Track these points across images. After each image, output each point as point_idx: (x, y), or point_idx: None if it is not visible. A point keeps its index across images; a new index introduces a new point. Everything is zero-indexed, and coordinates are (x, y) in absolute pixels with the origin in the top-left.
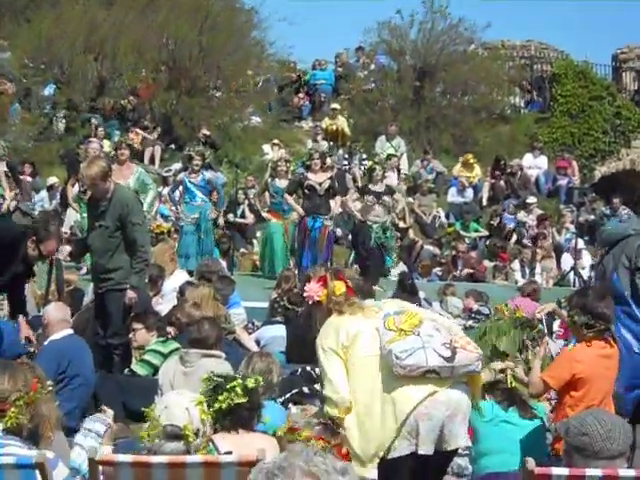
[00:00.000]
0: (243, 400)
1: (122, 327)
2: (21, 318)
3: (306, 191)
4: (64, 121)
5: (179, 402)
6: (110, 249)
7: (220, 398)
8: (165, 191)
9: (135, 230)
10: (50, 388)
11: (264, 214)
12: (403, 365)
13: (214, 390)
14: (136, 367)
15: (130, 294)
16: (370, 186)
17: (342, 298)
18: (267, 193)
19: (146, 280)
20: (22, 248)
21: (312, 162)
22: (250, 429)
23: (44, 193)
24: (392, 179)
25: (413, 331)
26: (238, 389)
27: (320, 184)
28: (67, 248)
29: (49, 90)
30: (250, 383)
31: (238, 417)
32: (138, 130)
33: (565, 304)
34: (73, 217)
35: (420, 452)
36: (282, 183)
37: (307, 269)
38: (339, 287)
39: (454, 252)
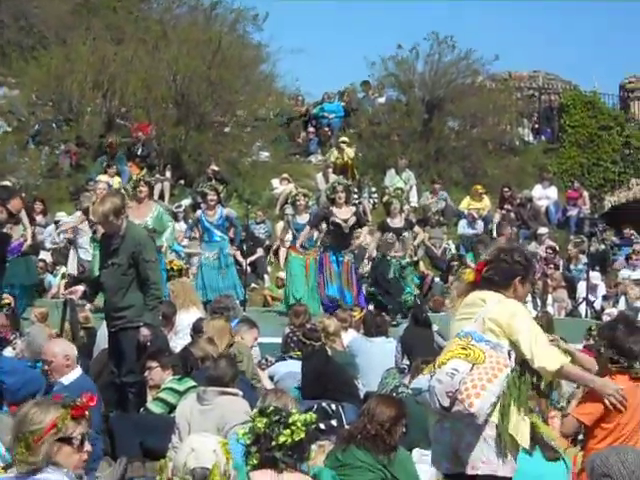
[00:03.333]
0: (302, 436)
1: (136, 365)
2: None
3: (331, 227)
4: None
5: (206, 444)
6: (123, 287)
7: (285, 432)
8: (178, 226)
9: (148, 267)
10: None
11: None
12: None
13: (276, 423)
14: (152, 406)
15: (144, 332)
16: (389, 221)
17: None
18: (283, 226)
19: (160, 317)
20: None
21: (336, 195)
22: (294, 467)
23: (51, 227)
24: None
25: (430, 372)
26: (299, 424)
27: (345, 221)
28: (80, 288)
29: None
30: (309, 418)
31: (293, 452)
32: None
33: (595, 334)
34: (82, 254)
35: None
36: (303, 218)
37: (334, 299)
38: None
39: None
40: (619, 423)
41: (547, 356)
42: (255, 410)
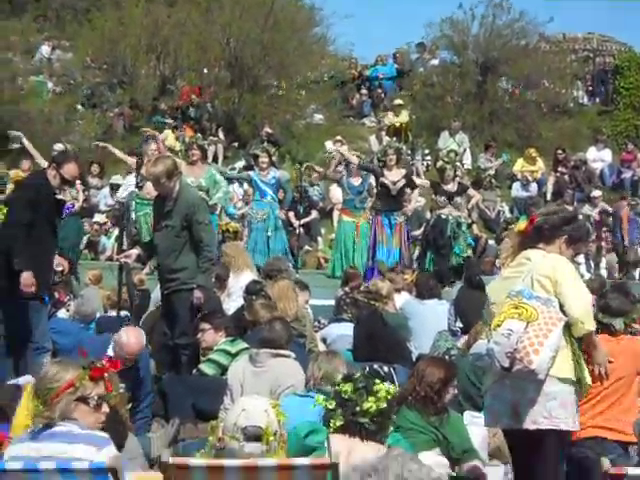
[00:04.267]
0: (385, 405)
1: (189, 327)
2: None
3: (379, 188)
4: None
5: (257, 404)
6: (176, 249)
7: (370, 399)
8: (231, 188)
9: (201, 229)
10: (122, 391)
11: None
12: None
13: (362, 389)
14: (204, 367)
15: (197, 294)
16: (443, 186)
17: None
18: (335, 188)
19: (213, 279)
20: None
21: (387, 158)
22: (374, 436)
23: (106, 190)
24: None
25: (487, 335)
26: (383, 393)
27: (394, 183)
28: (134, 251)
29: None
30: (392, 389)
31: (375, 421)
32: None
33: None
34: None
35: None
36: (356, 181)
37: (381, 262)
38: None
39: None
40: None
41: (588, 314)
42: (339, 376)
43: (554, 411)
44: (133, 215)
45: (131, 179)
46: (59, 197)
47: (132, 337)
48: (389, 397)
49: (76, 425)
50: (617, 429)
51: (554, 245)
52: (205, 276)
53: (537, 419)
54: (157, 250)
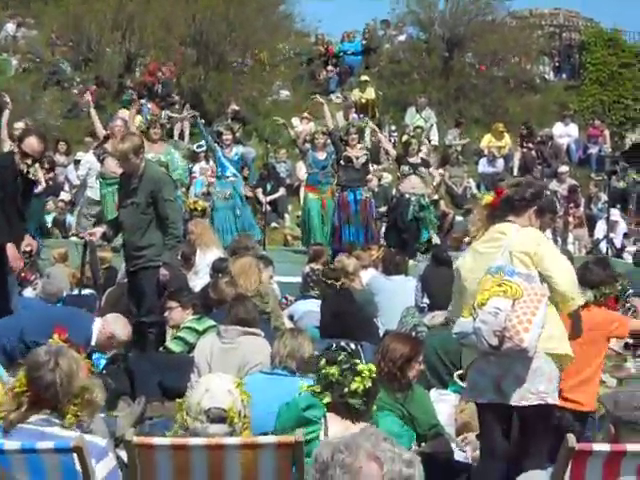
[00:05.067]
0: (370, 384)
1: (156, 305)
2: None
3: (342, 162)
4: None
5: (221, 384)
6: (142, 226)
7: (357, 379)
8: (196, 167)
9: (167, 206)
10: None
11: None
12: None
13: (347, 371)
14: (171, 344)
15: (163, 271)
16: (407, 158)
17: None
18: (302, 166)
19: (178, 257)
20: None
21: (349, 137)
22: (364, 415)
23: (71, 167)
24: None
25: (472, 314)
26: (367, 372)
27: (357, 158)
28: (99, 229)
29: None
30: (373, 367)
31: (362, 400)
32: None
33: None
34: (90, 193)
35: None
36: (321, 155)
37: (349, 243)
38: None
39: None
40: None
41: (575, 287)
42: (322, 359)
43: (541, 386)
44: (89, 193)
45: (90, 157)
46: (30, 177)
47: (122, 328)
48: (373, 375)
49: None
50: (572, 399)
51: (524, 217)
52: (171, 253)
53: (525, 395)
54: (123, 227)
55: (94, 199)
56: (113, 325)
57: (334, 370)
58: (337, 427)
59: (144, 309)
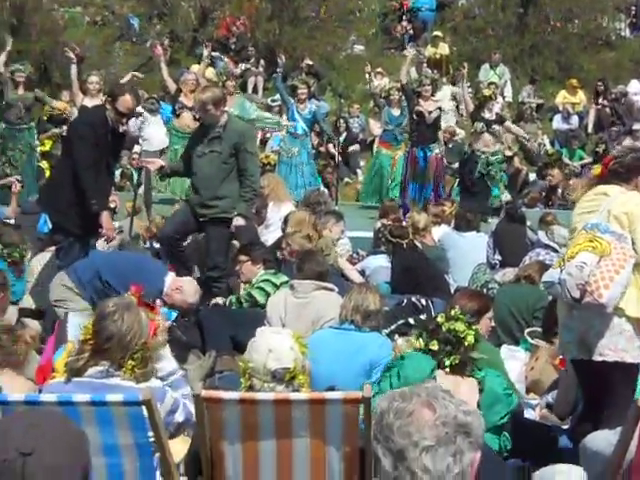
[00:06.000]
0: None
1: (222, 260)
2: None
3: (414, 117)
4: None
5: (283, 343)
6: (221, 176)
7: (470, 332)
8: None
9: (249, 159)
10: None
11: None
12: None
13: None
14: (255, 292)
15: (239, 221)
16: (482, 114)
17: None
18: (376, 122)
19: (253, 211)
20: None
21: (423, 89)
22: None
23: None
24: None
25: (561, 265)
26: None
27: (430, 112)
28: (160, 161)
29: (135, 24)
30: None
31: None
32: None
33: None
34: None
35: None
36: (396, 111)
37: (412, 200)
38: None
39: (550, 180)
40: None
41: None
42: (440, 315)
43: (620, 344)
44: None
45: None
46: (122, 130)
47: (193, 293)
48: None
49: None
50: None
51: (631, 184)
52: (247, 205)
53: (603, 351)
54: (196, 177)
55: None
56: (186, 286)
57: (460, 325)
58: (449, 382)
59: (211, 263)
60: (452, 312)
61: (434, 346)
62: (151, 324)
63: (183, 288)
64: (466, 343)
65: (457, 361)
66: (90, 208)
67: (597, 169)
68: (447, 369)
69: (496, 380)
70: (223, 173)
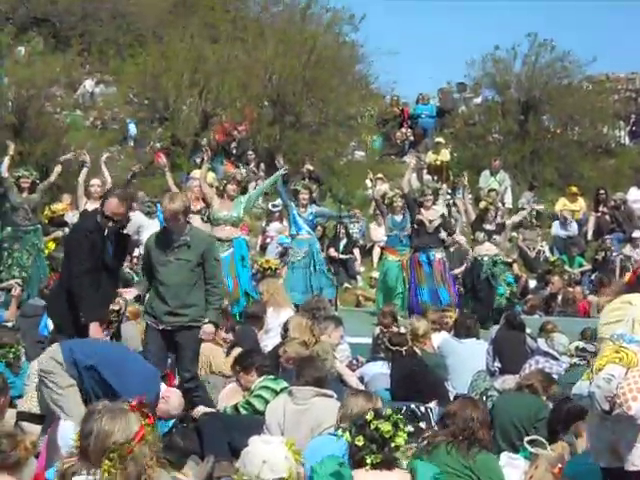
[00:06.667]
0: (404, 437)
1: (196, 367)
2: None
3: (415, 226)
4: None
5: (277, 454)
6: (189, 284)
7: (400, 434)
8: (271, 227)
9: (215, 266)
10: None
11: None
12: None
13: (395, 426)
14: (254, 401)
15: (210, 328)
16: (483, 225)
17: None
18: (376, 228)
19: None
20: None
21: (425, 198)
22: (394, 466)
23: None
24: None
25: (589, 378)
26: (401, 425)
27: (430, 221)
28: (133, 291)
29: (132, 129)
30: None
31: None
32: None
33: None
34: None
35: None
36: (399, 217)
37: (424, 304)
38: None
39: (550, 287)
40: None
41: None
42: (370, 412)
43: None
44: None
45: (137, 215)
46: (124, 232)
47: (179, 405)
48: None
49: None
50: None
51: None
52: (217, 313)
53: (636, 461)
54: (163, 286)
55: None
56: (172, 397)
57: (387, 426)
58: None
59: (188, 373)
60: (385, 412)
61: (359, 442)
62: (140, 429)
63: (169, 399)
64: (393, 444)
65: (378, 460)
66: (81, 318)
67: (629, 276)
68: (367, 467)
69: (428, 468)
70: (191, 281)
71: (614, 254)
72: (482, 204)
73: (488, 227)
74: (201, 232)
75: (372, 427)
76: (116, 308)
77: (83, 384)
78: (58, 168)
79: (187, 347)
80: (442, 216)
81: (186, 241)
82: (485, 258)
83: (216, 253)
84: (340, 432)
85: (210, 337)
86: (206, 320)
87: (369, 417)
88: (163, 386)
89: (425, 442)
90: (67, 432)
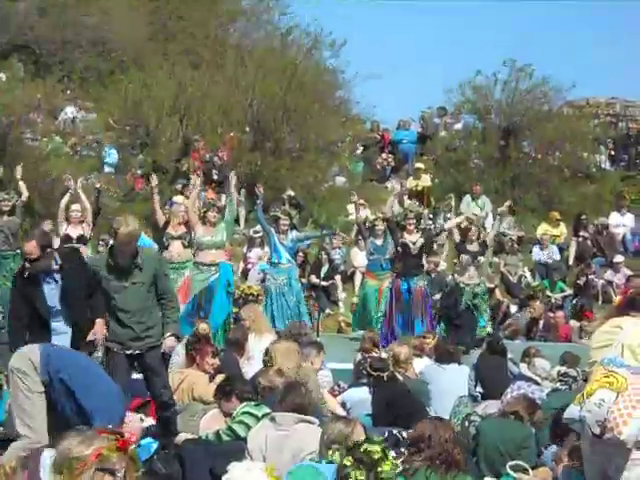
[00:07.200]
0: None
1: (172, 393)
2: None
3: (399, 249)
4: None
5: (256, 479)
6: (148, 306)
7: (388, 462)
8: (252, 252)
9: (167, 280)
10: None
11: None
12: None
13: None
14: (237, 427)
15: (172, 342)
16: (466, 245)
17: None
18: (357, 252)
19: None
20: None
21: (407, 222)
22: None
23: None
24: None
25: (580, 403)
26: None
27: (414, 243)
28: (102, 331)
29: (113, 155)
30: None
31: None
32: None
33: None
34: None
35: None
36: (379, 241)
37: (400, 333)
38: None
39: (531, 312)
40: None
41: None
42: (361, 438)
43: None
44: None
45: None
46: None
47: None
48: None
49: None
50: None
51: None
52: (177, 325)
53: None
54: (122, 313)
55: None
56: (131, 425)
57: (377, 448)
58: None
59: (165, 404)
60: (375, 437)
61: (348, 462)
62: (97, 449)
63: (130, 424)
64: (379, 469)
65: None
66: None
67: (618, 299)
68: None
69: None
70: (148, 302)
71: (595, 279)
72: (463, 223)
73: (471, 248)
74: (147, 250)
75: (362, 450)
76: (92, 338)
77: (53, 392)
78: (19, 168)
79: (156, 370)
80: (425, 238)
81: (137, 264)
82: (467, 288)
83: (165, 268)
84: (330, 453)
85: (172, 350)
86: (168, 334)
87: (362, 442)
88: (129, 415)
89: (400, 467)
90: (47, 462)
